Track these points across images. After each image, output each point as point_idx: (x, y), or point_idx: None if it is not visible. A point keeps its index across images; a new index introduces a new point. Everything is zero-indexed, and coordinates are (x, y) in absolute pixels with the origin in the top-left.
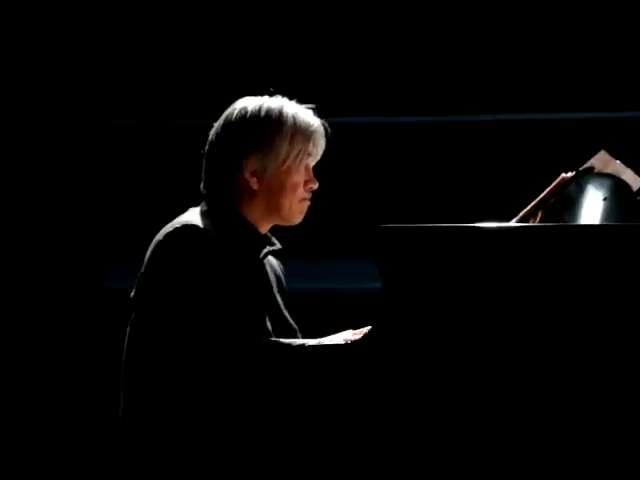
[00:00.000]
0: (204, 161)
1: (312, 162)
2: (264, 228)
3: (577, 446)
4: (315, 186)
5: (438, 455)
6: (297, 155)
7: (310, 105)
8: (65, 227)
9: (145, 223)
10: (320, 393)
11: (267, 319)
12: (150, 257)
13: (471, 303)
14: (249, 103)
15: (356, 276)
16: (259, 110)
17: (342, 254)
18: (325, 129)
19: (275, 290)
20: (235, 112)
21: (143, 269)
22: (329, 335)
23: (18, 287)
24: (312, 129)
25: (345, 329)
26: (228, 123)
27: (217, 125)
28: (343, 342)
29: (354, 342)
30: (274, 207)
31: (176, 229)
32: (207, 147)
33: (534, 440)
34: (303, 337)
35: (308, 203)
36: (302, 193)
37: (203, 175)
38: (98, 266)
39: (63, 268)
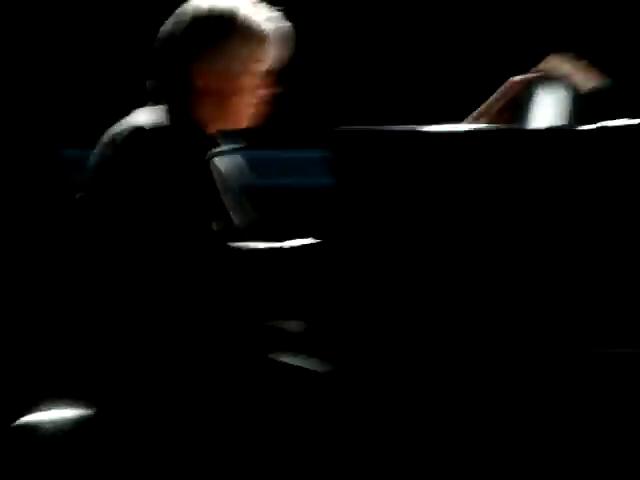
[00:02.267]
0: (152, 59)
1: (262, 68)
2: (213, 129)
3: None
4: (265, 92)
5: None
6: (247, 59)
7: (275, 7)
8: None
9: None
10: (276, 296)
11: (214, 224)
12: (100, 159)
13: (421, 207)
14: (202, 2)
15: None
16: (211, 9)
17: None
18: (282, 34)
19: (221, 190)
20: (187, 11)
21: (93, 169)
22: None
23: None
24: (264, 34)
25: (301, 226)
26: (179, 21)
27: (168, 24)
28: (294, 245)
29: (305, 246)
30: (223, 109)
31: (128, 132)
32: (156, 45)
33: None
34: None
35: (258, 108)
36: (251, 97)
37: (151, 73)
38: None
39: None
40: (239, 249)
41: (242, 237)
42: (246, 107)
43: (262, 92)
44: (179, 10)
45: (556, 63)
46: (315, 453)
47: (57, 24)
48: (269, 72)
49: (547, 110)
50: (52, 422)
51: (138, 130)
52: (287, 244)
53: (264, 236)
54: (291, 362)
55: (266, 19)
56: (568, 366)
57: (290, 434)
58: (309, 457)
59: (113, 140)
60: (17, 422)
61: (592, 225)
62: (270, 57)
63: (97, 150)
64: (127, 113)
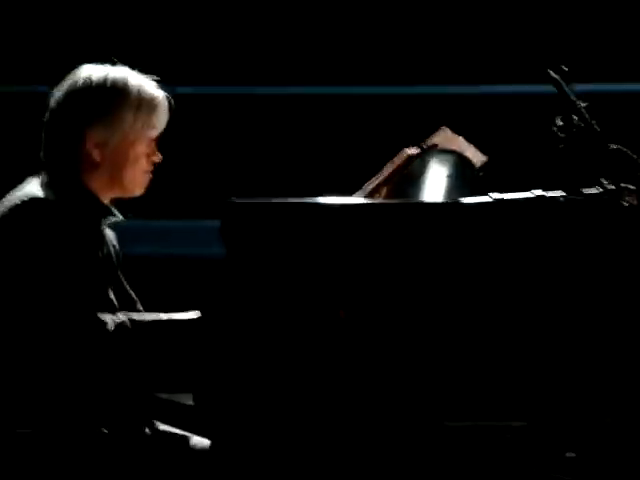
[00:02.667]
0: (44, 129)
1: (155, 134)
2: (106, 198)
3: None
4: (157, 159)
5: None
6: (141, 127)
7: (154, 77)
8: None
9: None
10: (167, 369)
11: (110, 291)
12: None
13: (313, 281)
14: (93, 72)
15: (200, 240)
16: (104, 80)
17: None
18: (169, 102)
19: (114, 260)
20: (79, 81)
21: None
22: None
23: None
24: (157, 102)
25: (186, 295)
26: (71, 92)
27: (58, 93)
28: (192, 317)
29: (197, 319)
30: (116, 179)
31: (23, 202)
32: (48, 115)
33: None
34: (143, 306)
35: (150, 175)
36: (144, 165)
37: (43, 144)
38: None
39: None
40: (130, 320)
41: (134, 306)
42: (140, 175)
43: (154, 159)
44: (70, 79)
45: (448, 136)
46: None
47: None
48: (157, 139)
49: (441, 182)
50: None
51: (30, 201)
52: (176, 316)
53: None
54: (177, 433)
55: (155, 87)
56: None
57: None
58: None
59: (11, 213)
60: None
61: (489, 296)
62: (161, 124)
63: None
64: (19, 181)
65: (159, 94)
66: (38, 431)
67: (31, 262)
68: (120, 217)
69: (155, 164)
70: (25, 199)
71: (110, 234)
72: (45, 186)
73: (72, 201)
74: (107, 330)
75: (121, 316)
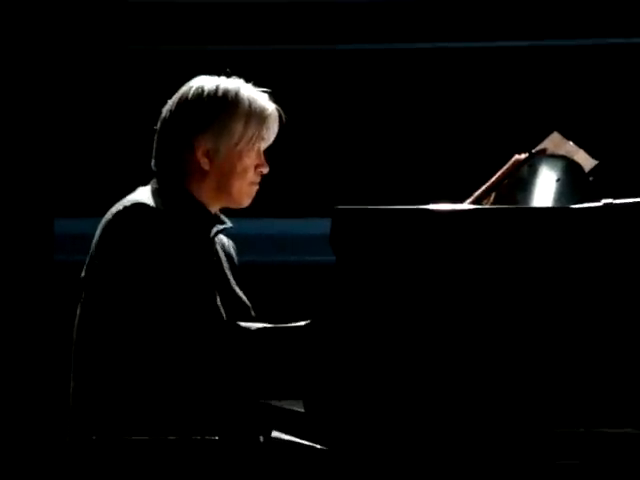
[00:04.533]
0: (156, 138)
1: (264, 146)
2: (214, 208)
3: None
4: (265, 170)
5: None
6: (250, 138)
7: (265, 89)
8: (12, 183)
9: (99, 179)
10: (277, 376)
11: (218, 298)
12: (100, 237)
13: (425, 286)
14: (206, 82)
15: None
16: (216, 90)
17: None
18: (279, 114)
19: (226, 268)
20: (191, 91)
21: (93, 248)
22: (282, 309)
23: None
24: (267, 113)
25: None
26: (184, 101)
27: (171, 102)
28: (300, 324)
29: (307, 325)
30: (224, 188)
31: (126, 208)
32: (160, 124)
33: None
34: (256, 313)
35: (257, 187)
36: (252, 176)
37: (154, 152)
38: (49, 230)
39: (10, 231)
40: (246, 329)
41: (247, 313)
42: (247, 186)
43: (262, 170)
44: (183, 88)
45: (557, 141)
46: None
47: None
48: (266, 151)
49: (550, 187)
50: None
51: (135, 208)
52: (288, 325)
53: (264, 313)
54: (289, 440)
55: (266, 99)
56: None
57: None
58: None
59: (110, 218)
60: None
61: (599, 301)
62: (270, 136)
63: (99, 227)
64: (131, 189)
65: (270, 106)
66: (156, 438)
67: (132, 268)
68: (230, 225)
69: (263, 175)
70: (128, 205)
71: (225, 242)
72: (154, 193)
73: (179, 209)
74: (213, 337)
75: (229, 324)
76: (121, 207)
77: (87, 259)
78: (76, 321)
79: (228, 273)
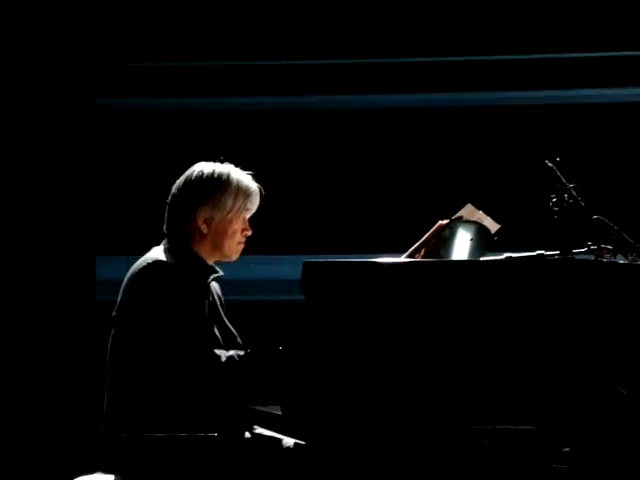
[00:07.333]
0: (167, 209)
1: (248, 215)
2: (210, 261)
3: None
4: (249, 233)
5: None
6: (238, 209)
7: (249, 172)
8: (56, 221)
9: (137, 217)
10: (260, 388)
11: (215, 329)
12: (129, 286)
13: (373, 321)
14: (204, 167)
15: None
16: (212, 173)
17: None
18: (260, 191)
19: (218, 305)
20: (193, 174)
21: (121, 294)
22: (260, 338)
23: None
24: (251, 190)
25: (272, 334)
26: (188, 182)
27: (178, 182)
28: (277, 349)
29: (282, 350)
30: (218, 247)
31: (148, 264)
32: (170, 198)
33: None
34: (241, 340)
35: (243, 245)
36: (239, 238)
37: (166, 219)
38: (91, 268)
39: (55, 268)
40: (236, 353)
41: (234, 341)
42: (236, 245)
43: (247, 233)
44: (187, 172)
45: (470, 210)
46: None
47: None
48: (250, 218)
49: (465, 245)
50: None
51: (155, 264)
52: (268, 350)
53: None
54: (269, 435)
55: (250, 179)
56: None
57: None
58: None
59: (136, 272)
60: None
61: (502, 331)
62: (253, 207)
63: (127, 277)
64: (149, 248)
65: (253, 185)
66: (170, 435)
67: (156, 309)
68: (221, 273)
69: (247, 237)
70: (150, 262)
71: (215, 286)
72: (166, 251)
73: (185, 263)
74: (220, 361)
75: (230, 351)
76: (145, 264)
77: (117, 300)
78: (108, 350)
79: (220, 309)
